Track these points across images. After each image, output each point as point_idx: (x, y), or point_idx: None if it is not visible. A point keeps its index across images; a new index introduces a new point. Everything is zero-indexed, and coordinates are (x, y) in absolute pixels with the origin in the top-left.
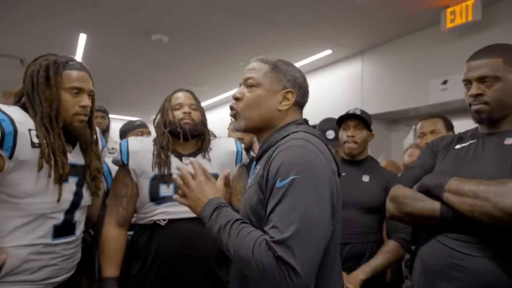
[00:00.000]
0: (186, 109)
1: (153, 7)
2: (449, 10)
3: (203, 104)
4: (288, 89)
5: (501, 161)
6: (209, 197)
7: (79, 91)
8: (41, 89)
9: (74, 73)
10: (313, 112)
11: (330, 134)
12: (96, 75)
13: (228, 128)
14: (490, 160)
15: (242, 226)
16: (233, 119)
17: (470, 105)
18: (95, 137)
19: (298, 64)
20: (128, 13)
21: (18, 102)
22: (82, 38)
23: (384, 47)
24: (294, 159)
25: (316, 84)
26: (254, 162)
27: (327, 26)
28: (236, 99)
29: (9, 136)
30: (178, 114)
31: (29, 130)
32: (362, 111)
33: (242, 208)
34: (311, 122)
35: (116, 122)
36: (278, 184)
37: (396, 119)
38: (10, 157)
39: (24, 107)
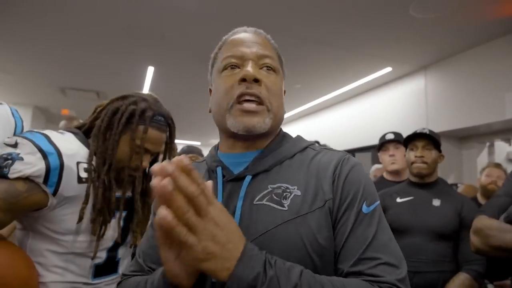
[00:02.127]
0: None
1: (213, 36)
2: None
3: None
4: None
5: None
6: (244, 241)
7: (145, 151)
8: (115, 132)
9: (153, 133)
10: (376, 131)
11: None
12: (163, 103)
13: None
14: None
15: (325, 277)
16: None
17: None
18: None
19: (357, 83)
20: (191, 43)
21: (81, 127)
22: (150, 70)
23: (448, 61)
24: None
25: (377, 103)
26: (248, 177)
27: (385, 44)
28: (256, 80)
29: (54, 171)
30: None
31: (78, 163)
32: (431, 131)
33: (283, 247)
34: (373, 142)
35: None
36: (365, 209)
37: (466, 136)
38: (54, 193)
39: (84, 134)
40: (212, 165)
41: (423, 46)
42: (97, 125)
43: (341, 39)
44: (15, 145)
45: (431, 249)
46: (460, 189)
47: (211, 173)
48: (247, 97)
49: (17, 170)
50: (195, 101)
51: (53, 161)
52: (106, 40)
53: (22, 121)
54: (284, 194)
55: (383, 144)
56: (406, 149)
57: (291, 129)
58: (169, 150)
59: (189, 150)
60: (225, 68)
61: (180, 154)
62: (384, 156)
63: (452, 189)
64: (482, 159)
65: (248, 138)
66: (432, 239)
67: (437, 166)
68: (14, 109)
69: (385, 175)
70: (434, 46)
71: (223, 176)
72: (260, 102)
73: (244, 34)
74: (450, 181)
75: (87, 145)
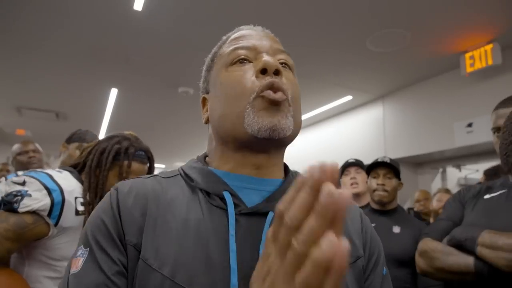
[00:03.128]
0: None
1: (179, 62)
2: (467, 55)
3: None
4: None
5: None
6: None
7: None
8: (104, 169)
9: (136, 166)
10: (338, 157)
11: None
12: (126, 126)
13: None
14: None
15: None
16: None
17: (506, 154)
18: None
19: (318, 110)
20: (157, 68)
21: (75, 165)
22: (114, 92)
23: (405, 92)
24: None
25: (337, 130)
26: (271, 213)
27: (346, 73)
28: (277, 73)
29: (57, 206)
30: None
31: (75, 198)
32: (392, 160)
33: None
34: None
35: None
36: (384, 271)
37: (421, 163)
38: (56, 224)
39: (76, 171)
40: (211, 186)
41: (381, 76)
42: (88, 164)
43: (304, 66)
44: (23, 183)
45: (392, 275)
46: (437, 197)
47: (202, 197)
48: (274, 89)
49: (26, 205)
50: (160, 124)
51: (57, 196)
52: (68, 60)
53: None
54: None
55: (345, 168)
56: (368, 176)
57: None
58: None
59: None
60: (233, 63)
61: None
62: (345, 179)
63: (411, 216)
64: (436, 184)
65: (265, 148)
66: (393, 265)
67: (397, 194)
68: None
69: None
70: (390, 77)
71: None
72: (284, 93)
73: (251, 30)
74: (406, 205)
75: (81, 181)
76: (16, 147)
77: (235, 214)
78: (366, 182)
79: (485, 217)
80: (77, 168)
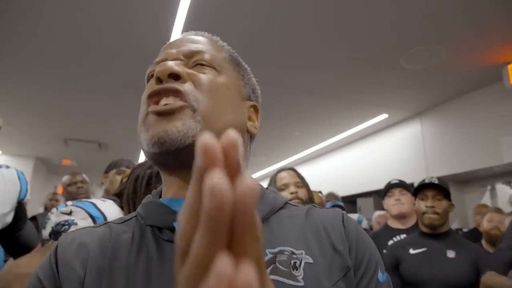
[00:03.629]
0: (292, 188)
1: None
2: (510, 66)
3: (258, 174)
4: (253, 102)
5: None
6: None
7: None
8: (139, 194)
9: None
10: (376, 176)
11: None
12: None
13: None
14: None
15: None
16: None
17: None
18: None
19: (354, 129)
20: None
21: (118, 194)
22: None
23: (443, 107)
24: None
25: (373, 149)
26: None
27: (381, 91)
28: (175, 76)
29: None
30: (285, 194)
31: None
32: (440, 180)
33: None
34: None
35: None
36: (381, 277)
37: (467, 180)
38: None
39: (119, 200)
40: (160, 220)
41: (417, 93)
42: (125, 193)
43: (337, 88)
44: (70, 213)
45: None
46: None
47: (151, 234)
48: (162, 93)
49: None
50: None
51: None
52: (109, 92)
53: (27, 184)
54: (293, 262)
55: (389, 189)
56: (415, 198)
57: None
58: None
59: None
60: (147, 81)
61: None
62: (389, 201)
63: (465, 239)
64: (485, 202)
65: (183, 164)
66: None
67: (449, 217)
68: (20, 172)
69: (390, 222)
70: (427, 93)
71: None
72: (181, 98)
73: (172, 41)
74: (455, 225)
75: (122, 209)
76: (65, 178)
77: None
78: (414, 204)
79: None
80: (119, 197)
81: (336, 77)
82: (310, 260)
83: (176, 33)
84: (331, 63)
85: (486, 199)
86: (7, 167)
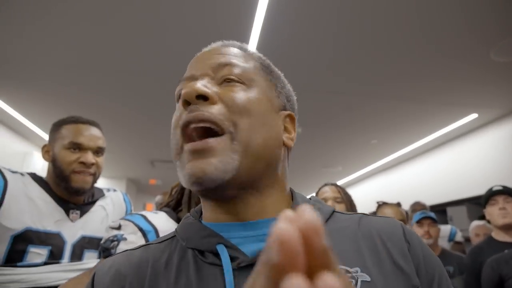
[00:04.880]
0: (330, 203)
1: None
2: None
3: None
4: (288, 112)
5: None
6: None
7: None
8: (193, 201)
9: None
10: (468, 182)
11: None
12: None
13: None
14: None
15: None
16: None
17: None
18: None
19: (438, 133)
20: None
21: (167, 205)
22: None
23: None
24: None
25: (465, 151)
26: None
27: (468, 89)
28: (203, 97)
29: None
30: None
31: None
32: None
33: None
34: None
35: None
36: None
37: None
38: None
39: (173, 211)
40: (203, 243)
41: (509, 89)
42: (186, 193)
43: (417, 92)
44: (119, 228)
45: None
46: None
47: (192, 256)
48: (193, 125)
49: (122, 249)
50: None
51: (152, 237)
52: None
53: (131, 205)
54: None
55: (491, 196)
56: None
57: (369, 186)
58: None
59: None
60: (177, 100)
61: None
62: (492, 210)
63: None
64: None
65: (223, 197)
66: None
67: None
68: (125, 194)
69: (494, 234)
70: None
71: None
72: (216, 128)
73: (198, 55)
74: None
75: (176, 220)
76: (158, 198)
77: (233, 269)
78: None
79: None
80: (171, 207)
81: (413, 79)
82: (368, 279)
83: (252, 45)
84: (407, 64)
85: None
86: (114, 190)
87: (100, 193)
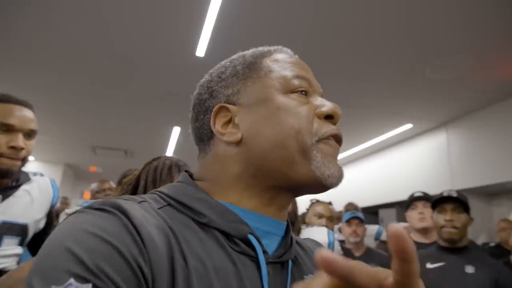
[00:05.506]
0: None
1: None
2: None
3: None
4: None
5: None
6: None
7: None
8: (158, 182)
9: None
10: (399, 187)
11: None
12: (188, 162)
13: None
14: None
15: None
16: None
17: None
18: None
19: (375, 140)
20: None
21: (127, 191)
22: (176, 130)
23: (471, 117)
24: None
25: (399, 158)
26: (290, 262)
27: (406, 101)
28: (335, 123)
29: None
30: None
31: None
32: (459, 193)
33: None
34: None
35: None
36: None
37: (495, 193)
38: None
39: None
40: (232, 227)
41: (443, 103)
42: (141, 184)
43: (362, 98)
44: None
45: None
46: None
47: (223, 239)
48: (332, 142)
49: None
50: None
51: None
52: (136, 102)
53: (58, 191)
54: None
55: (412, 202)
56: (433, 211)
57: None
58: None
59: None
60: (294, 91)
61: None
62: (412, 214)
63: (485, 255)
64: None
65: (294, 194)
66: None
67: (467, 230)
68: (52, 180)
69: (413, 236)
70: (453, 103)
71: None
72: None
73: (299, 59)
74: (481, 239)
75: None
76: (94, 185)
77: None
78: (431, 217)
79: None
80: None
81: (360, 87)
82: None
83: (201, 49)
84: (355, 73)
85: None
86: (41, 175)
87: (26, 177)
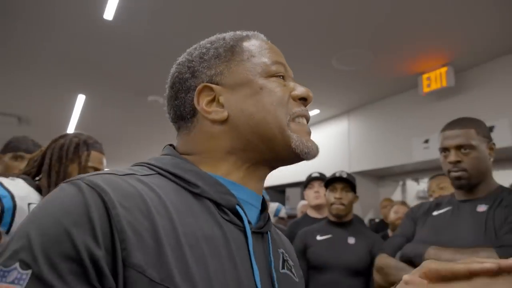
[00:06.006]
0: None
1: (149, 71)
2: (425, 76)
3: None
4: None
5: (476, 229)
6: None
7: (95, 170)
8: (64, 162)
9: (96, 154)
10: (305, 168)
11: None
12: (93, 133)
13: None
14: (465, 227)
15: None
16: None
17: (449, 171)
18: None
19: None
20: (127, 76)
21: (26, 173)
22: (81, 98)
23: (368, 108)
24: None
25: None
26: (268, 233)
27: (314, 87)
28: (305, 106)
29: (8, 212)
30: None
31: (29, 204)
32: (348, 174)
33: None
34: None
35: None
36: None
37: (383, 176)
38: (8, 231)
39: (31, 179)
40: (222, 198)
41: (346, 92)
42: (46, 162)
43: None
44: None
45: (347, 284)
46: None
47: (213, 208)
48: (302, 120)
49: None
50: (129, 132)
51: (7, 202)
52: (33, 64)
53: None
54: (289, 262)
55: (309, 181)
56: (326, 190)
57: None
58: None
59: None
60: (274, 75)
61: None
62: (309, 192)
63: (366, 227)
64: (397, 196)
65: (273, 167)
66: (348, 275)
67: (352, 207)
68: None
69: (309, 212)
70: (355, 93)
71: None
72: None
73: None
74: (369, 216)
75: (35, 187)
76: None
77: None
78: (324, 195)
79: (433, 234)
80: (31, 176)
81: None
82: (292, 264)
83: (110, 11)
84: None
85: (398, 193)
86: None
87: None
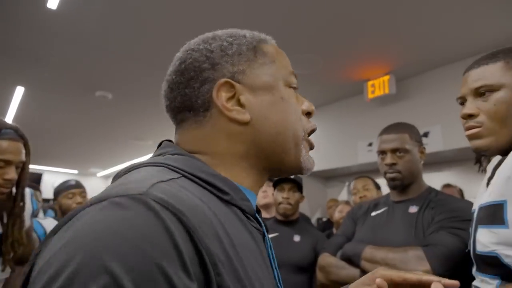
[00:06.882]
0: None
1: (97, 65)
2: (370, 83)
3: (146, 157)
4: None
5: (406, 229)
6: None
7: (6, 163)
8: None
9: (4, 144)
10: None
11: None
12: (33, 127)
13: None
14: (398, 228)
15: None
16: None
17: (385, 173)
18: (21, 205)
19: None
20: (72, 69)
21: None
22: (19, 90)
23: (317, 111)
24: None
25: None
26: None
27: None
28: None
29: None
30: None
31: None
32: (296, 176)
33: None
34: None
35: (53, 174)
36: None
37: (330, 177)
38: None
39: None
40: (246, 205)
41: (303, 95)
42: None
43: None
44: None
45: (292, 281)
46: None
47: (243, 216)
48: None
49: None
50: (73, 127)
51: None
52: None
53: None
54: None
55: None
56: (274, 189)
57: None
58: (27, 160)
59: (73, 185)
60: (291, 85)
61: (65, 189)
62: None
63: (311, 226)
64: (343, 196)
65: (274, 176)
66: (293, 271)
67: (299, 206)
68: None
69: None
70: (310, 96)
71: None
72: None
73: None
74: (317, 215)
75: None
76: None
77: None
78: (273, 194)
79: (370, 233)
80: None
81: None
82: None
83: (53, 1)
84: None
85: (344, 194)
86: None
87: None
